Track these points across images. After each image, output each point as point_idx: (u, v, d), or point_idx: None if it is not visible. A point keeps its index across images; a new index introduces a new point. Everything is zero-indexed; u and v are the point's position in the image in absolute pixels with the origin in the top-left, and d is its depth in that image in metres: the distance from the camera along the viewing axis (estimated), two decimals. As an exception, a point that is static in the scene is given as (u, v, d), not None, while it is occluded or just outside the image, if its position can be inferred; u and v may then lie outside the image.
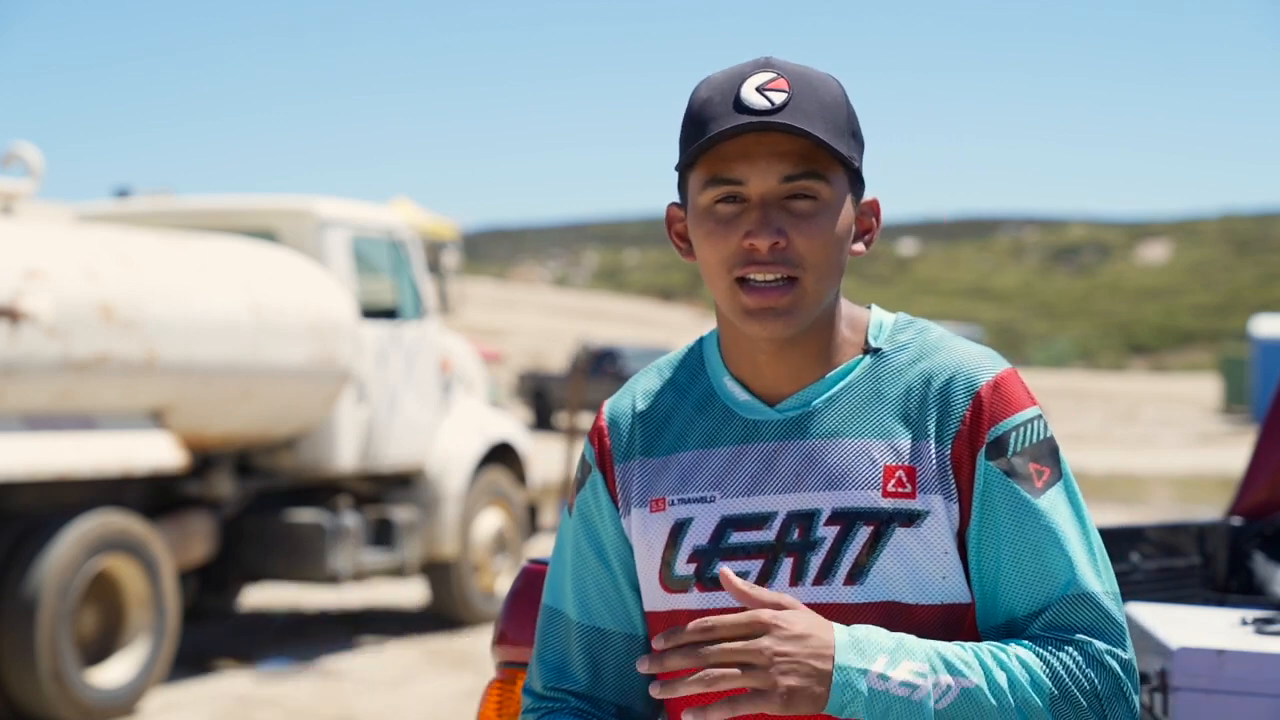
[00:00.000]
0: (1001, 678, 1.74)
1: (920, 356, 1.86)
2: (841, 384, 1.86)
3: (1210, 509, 15.45)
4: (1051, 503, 1.80)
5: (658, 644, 1.70)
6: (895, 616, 1.79)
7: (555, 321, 52.82)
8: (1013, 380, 1.85)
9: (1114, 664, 1.77)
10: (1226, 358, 43.96)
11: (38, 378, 7.31)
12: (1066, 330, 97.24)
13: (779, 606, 1.71)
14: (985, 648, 1.76)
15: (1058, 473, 1.82)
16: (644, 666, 1.71)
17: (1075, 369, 71.28)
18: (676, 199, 1.91)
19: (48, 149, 8.92)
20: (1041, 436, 1.83)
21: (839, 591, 1.80)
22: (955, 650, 1.75)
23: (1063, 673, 1.75)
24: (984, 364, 1.85)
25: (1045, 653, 1.76)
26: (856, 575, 1.79)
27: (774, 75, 1.79)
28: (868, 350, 1.88)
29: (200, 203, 9.83)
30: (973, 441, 1.81)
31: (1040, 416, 1.84)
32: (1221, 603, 3.19)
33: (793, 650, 1.68)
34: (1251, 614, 2.73)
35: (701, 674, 1.67)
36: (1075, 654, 1.77)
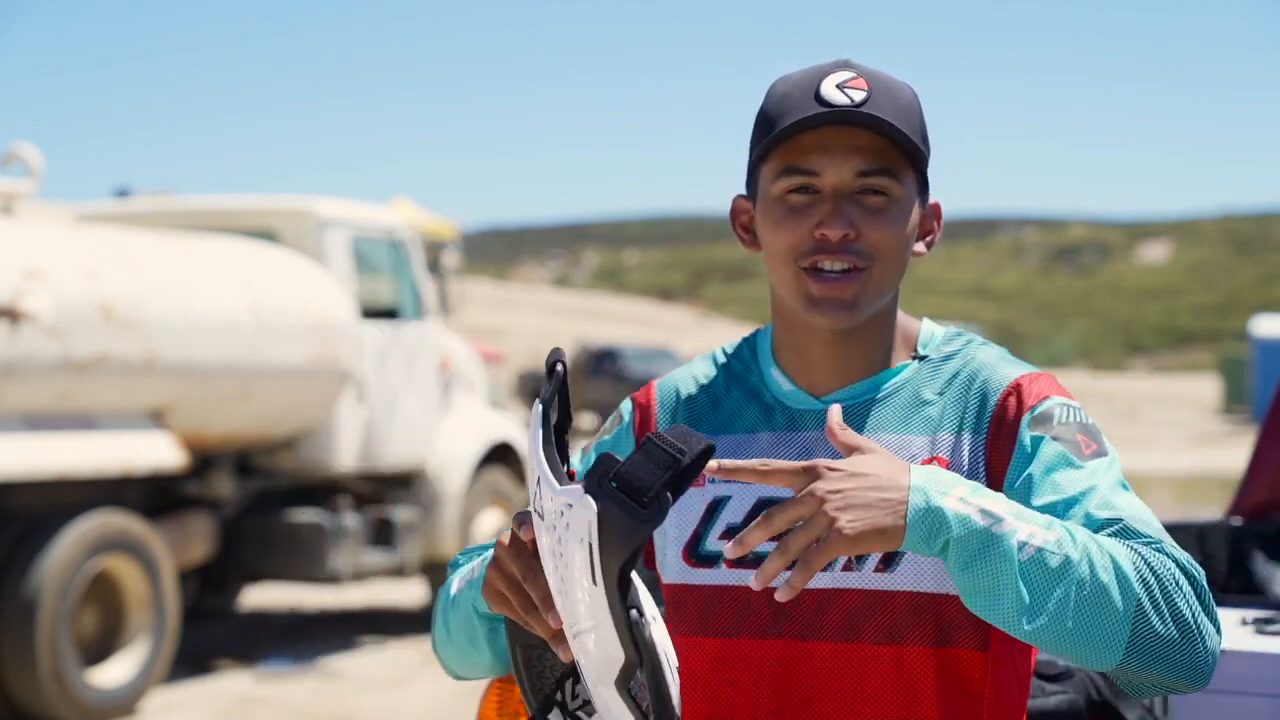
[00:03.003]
0: (1090, 545, 1.61)
1: (966, 363, 1.88)
2: (887, 385, 1.87)
3: (1210, 509, 15.43)
4: (1098, 467, 1.75)
5: (738, 542, 1.57)
6: (924, 607, 1.78)
7: (555, 321, 52.84)
8: (1054, 379, 1.86)
9: (1194, 570, 1.64)
10: (1226, 358, 43.98)
11: (38, 378, 7.31)
12: (1066, 330, 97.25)
13: (857, 450, 1.63)
14: (1060, 522, 1.65)
15: (1104, 450, 1.78)
16: (731, 551, 1.57)
17: (1075, 369, 71.26)
18: (744, 191, 1.92)
19: (48, 149, 8.92)
20: (1086, 420, 1.81)
21: (869, 578, 1.79)
22: (1036, 513, 1.65)
23: (1143, 555, 1.63)
24: (1025, 367, 1.87)
25: (1119, 541, 1.65)
26: (888, 563, 1.79)
27: (854, 74, 1.82)
28: (916, 357, 1.90)
29: (200, 203, 9.83)
30: (1012, 420, 1.80)
31: (1082, 408, 1.83)
32: (1221, 603, 3.19)
33: (847, 486, 1.57)
34: (1251, 614, 2.73)
35: (780, 545, 1.56)
36: (1147, 549, 1.64)
